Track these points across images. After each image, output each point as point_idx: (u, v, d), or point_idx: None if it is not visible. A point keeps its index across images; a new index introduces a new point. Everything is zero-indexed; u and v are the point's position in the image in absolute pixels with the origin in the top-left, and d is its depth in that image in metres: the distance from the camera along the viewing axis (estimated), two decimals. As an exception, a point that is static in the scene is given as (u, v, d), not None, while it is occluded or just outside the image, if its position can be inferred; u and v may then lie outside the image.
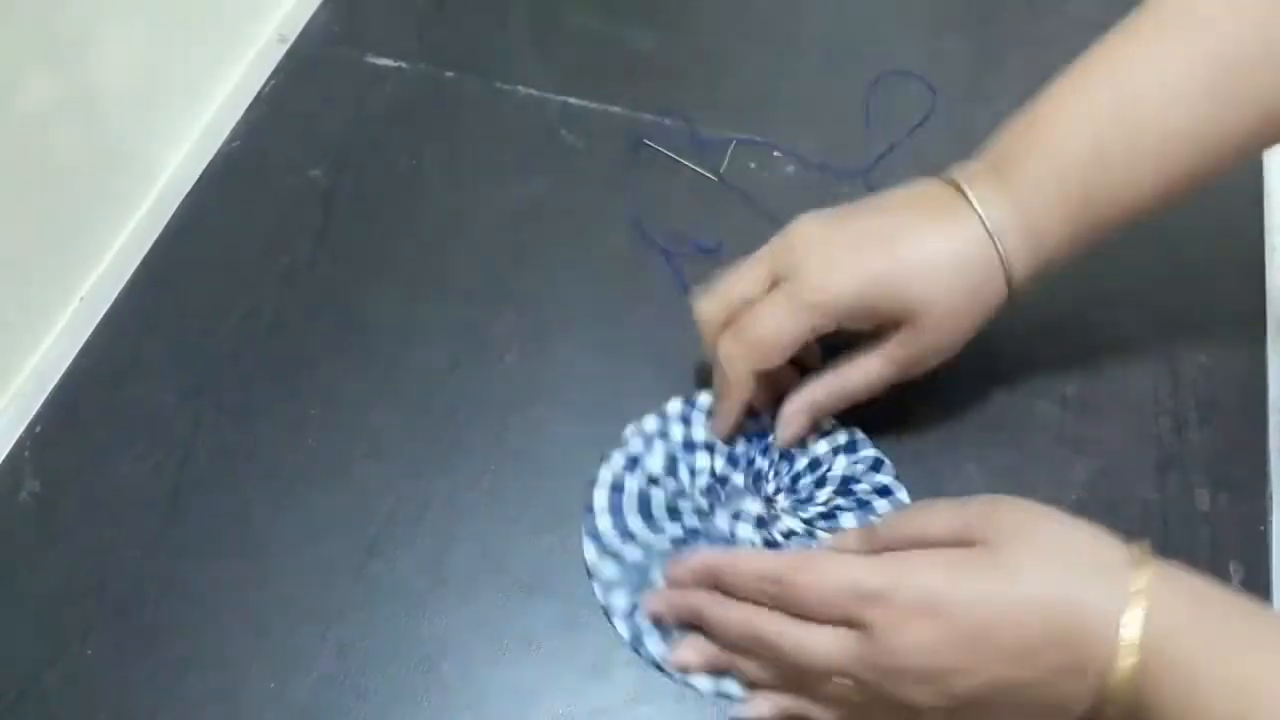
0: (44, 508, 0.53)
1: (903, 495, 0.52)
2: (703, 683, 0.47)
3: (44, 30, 0.56)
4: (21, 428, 0.56)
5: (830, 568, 0.43)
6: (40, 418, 0.57)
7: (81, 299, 0.62)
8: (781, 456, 0.53)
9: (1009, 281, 0.47)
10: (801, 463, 0.53)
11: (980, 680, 0.40)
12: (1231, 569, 0.50)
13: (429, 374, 0.58)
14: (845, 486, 0.52)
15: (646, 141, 0.67)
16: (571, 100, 0.69)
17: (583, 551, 0.51)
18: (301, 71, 0.72)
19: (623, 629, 0.49)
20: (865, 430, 0.54)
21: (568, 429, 0.55)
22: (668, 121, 0.68)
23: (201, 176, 0.66)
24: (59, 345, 0.60)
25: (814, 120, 0.68)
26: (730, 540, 0.50)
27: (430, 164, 0.67)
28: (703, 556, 0.48)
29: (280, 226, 0.64)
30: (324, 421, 0.56)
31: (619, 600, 0.49)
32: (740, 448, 0.53)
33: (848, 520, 0.51)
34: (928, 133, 0.66)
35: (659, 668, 0.48)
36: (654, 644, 0.48)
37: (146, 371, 0.58)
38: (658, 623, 0.48)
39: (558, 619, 0.50)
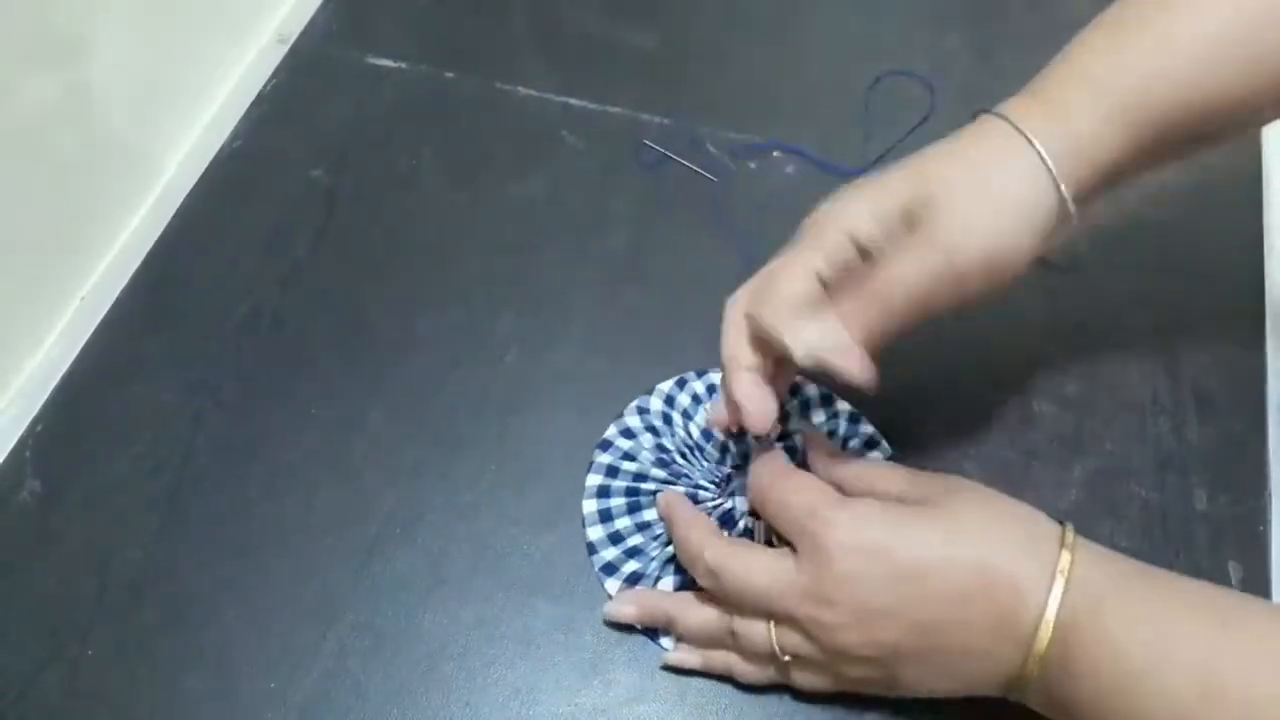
0: (44, 507, 0.54)
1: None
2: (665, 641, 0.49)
3: (43, 30, 0.56)
4: (23, 427, 0.56)
5: (796, 486, 0.45)
6: (41, 417, 0.57)
7: (82, 299, 0.62)
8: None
9: (1056, 186, 0.43)
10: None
11: (908, 625, 0.41)
12: (1230, 569, 0.50)
13: (429, 374, 0.58)
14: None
15: (646, 142, 0.67)
16: (572, 101, 0.69)
17: (584, 533, 0.52)
18: (302, 71, 0.72)
19: (591, 533, 0.51)
20: (865, 430, 0.54)
21: (568, 429, 0.55)
22: (668, 121, 0.68)
23: (202, 176, 0.66)
24: (60, 345, 0.60)
25: (814, 120, 0.68)
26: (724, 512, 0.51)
27: (430, 164, 0.67)
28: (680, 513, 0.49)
29: (280, 226, 0.64)
30: (324, 421, 0.56)
31: (596, 533, 0.52)
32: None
33: None
34: (928, 133, 0.66)
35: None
36: (606, 557, 0.51)
37: (147, 371, 0.58)
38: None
39: (557, 619, 0.50)
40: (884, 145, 0.66)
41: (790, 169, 0.66)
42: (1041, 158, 0.43)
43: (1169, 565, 0.50)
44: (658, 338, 0.58)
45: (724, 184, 0.65)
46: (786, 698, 0.47)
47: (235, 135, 0.68)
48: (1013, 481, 0.53)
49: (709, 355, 0.57)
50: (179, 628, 0.50)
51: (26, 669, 0.49)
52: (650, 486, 0.52)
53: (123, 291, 0.61)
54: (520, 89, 0.70)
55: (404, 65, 0.72)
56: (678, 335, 0.58)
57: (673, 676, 0.48)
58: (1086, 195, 0.45)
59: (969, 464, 0.54)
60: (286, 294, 0.61)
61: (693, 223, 0.63)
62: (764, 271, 0.46)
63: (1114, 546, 0.42)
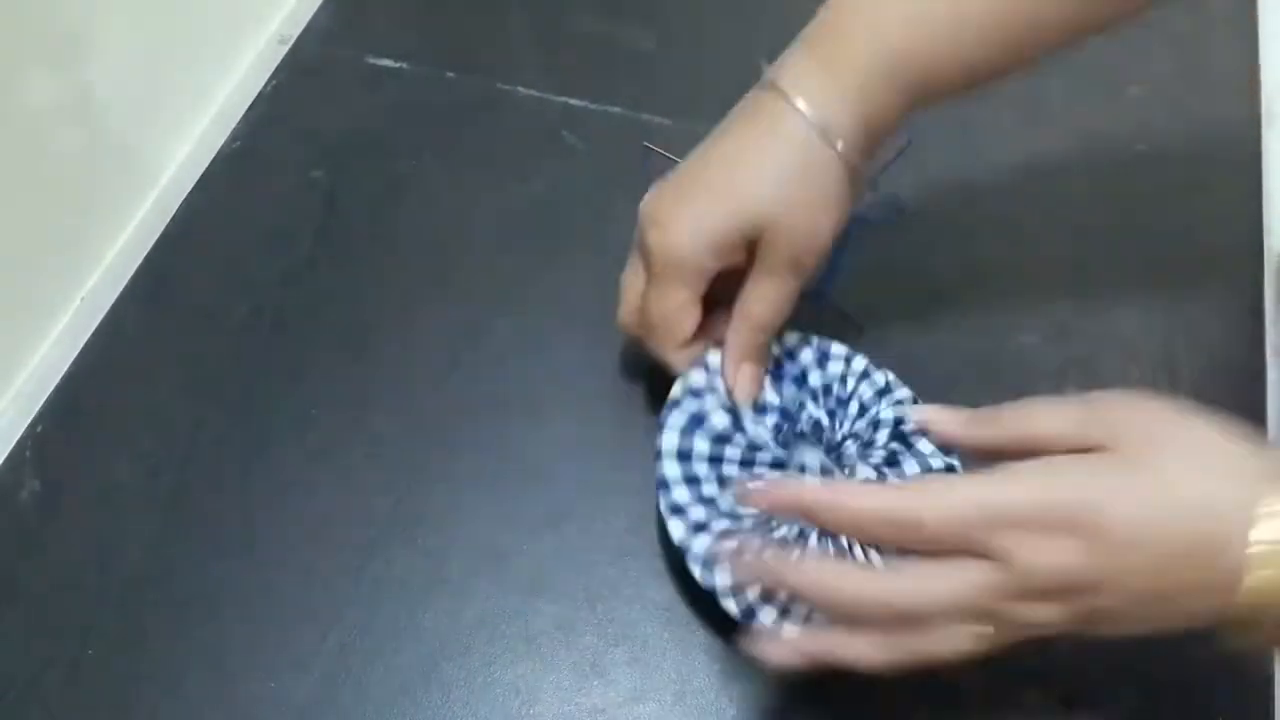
0: (44, 507, 0.54)
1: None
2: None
3: (44, 30, 0.56)
4: (22, 427, 0.56)
5: (956, 492, 0.40)
6: (41, 417, 0.57)
7: (82, 299, 0.62)
8: (837, 403, 0.52)
9: (847, 163, 0.48)
10: (852, 408, 0.52)
11: (1117, 597, 0.38)
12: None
13: (429, 374, 0.58)
14: (897, 430, 0.51)
15: (646, 144, 0.67)
16: (572, 101, 0.69)
17: (662, 528, 0.49)
18: (302, 72, 0.72)
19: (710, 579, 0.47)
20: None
21: (567, 429, 0.55)
22: (668, 121, 0.68)
23: (202, 176, 0.66)
24: (60, 345, 0.60)
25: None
26: None
27: (430, 164, 0.67)
28: (794, 491, 0.42)
29: (280, 226, 0.64)
30: (324, 421, 0.56)
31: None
32: (788, 391, 0.52)
33: (910, 467, 0.50)
34: (927, 132, 0.66)
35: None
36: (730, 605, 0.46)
37: (146, 371, 0.58)
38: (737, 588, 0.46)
39: (557, 619, 0.50)
40: (884, 145, 0.66)
41: (790, 169, 0.65)
42: (819, 134, 0.48)
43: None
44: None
45: (724, 184, 0.65)
46: (786, 698, 0.47)
47: (235, 135, 0.68)
48: (1013, 481, 0.53)
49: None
50: (179, 628, 0.50)
51: (26, 669, 0.49)
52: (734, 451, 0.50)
53: (123, 292, 0.61)
54: (520, 89, 0.70)
55: (404, 65, 0.72)
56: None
57: (672, 676, 0.48)
58: (866, 148, 0.49)
59: (968, 463, 0.54)
60: (286, 294, 0.61)
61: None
62: (644, 302, 0.52)
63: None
